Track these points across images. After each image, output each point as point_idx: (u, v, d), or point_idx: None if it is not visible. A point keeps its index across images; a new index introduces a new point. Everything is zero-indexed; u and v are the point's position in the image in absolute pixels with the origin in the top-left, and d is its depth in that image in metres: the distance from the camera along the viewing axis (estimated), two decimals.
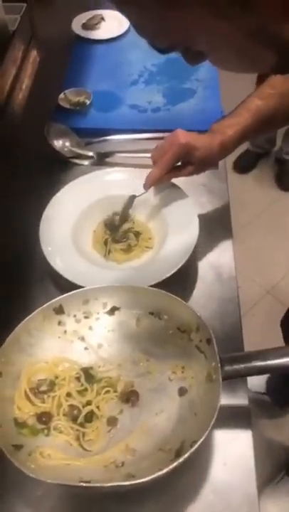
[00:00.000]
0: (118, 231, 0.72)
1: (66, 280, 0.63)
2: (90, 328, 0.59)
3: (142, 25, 0.32)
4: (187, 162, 0.67)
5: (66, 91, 0.94)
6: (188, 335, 0.55)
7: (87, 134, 0.87)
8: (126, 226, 0.73)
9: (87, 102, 0.93)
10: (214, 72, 1.01)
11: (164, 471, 0.42)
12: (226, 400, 0.51)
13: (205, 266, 0.70)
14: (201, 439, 0.44)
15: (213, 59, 0.35)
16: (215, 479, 0.51)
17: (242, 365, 0.50)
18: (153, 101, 0.95)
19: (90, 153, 0.85)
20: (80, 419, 0.52)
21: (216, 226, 0.74)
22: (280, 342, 1.13)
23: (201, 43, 0.32)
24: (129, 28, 1.12)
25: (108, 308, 0.59)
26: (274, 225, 1.78)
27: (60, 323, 0.58)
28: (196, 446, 0.43)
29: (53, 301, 0.57)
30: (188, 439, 0.46)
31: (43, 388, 0.54)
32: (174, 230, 0.69)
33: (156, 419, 0.52)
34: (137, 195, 0.72)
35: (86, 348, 0.58)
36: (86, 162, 0.84)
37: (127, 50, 1.09)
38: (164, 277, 0.61)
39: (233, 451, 0.53)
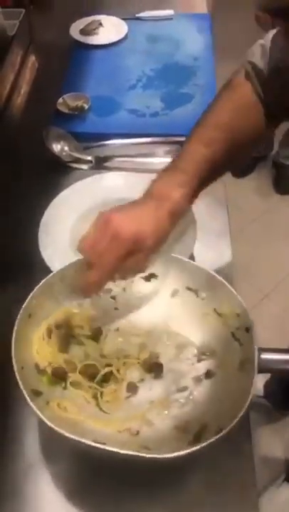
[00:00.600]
0: None
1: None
2: (124, 289, 0.58)
3: None
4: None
5: (65, 96, 0.94)
6: (225, 319, 0.53)
7: (86, 139, 0.88)
8: None
9: (86, 106, 0.93)
10: (212, 78, 1.02)
11: (184, 452, 0.41)
12: None
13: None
14: (231, 425, 0.42)
15: None
16: (214, 486, 0.51)
17: (279, 359, 0.49)
18: (151, 105, 0.96)
19: (89, 158, 0.85)
20: (98, 377, 0.52)
21: (213, 230, 0.74)
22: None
23: None
24: (127, 33, 1.13)
25: (146, 273, 0.57)
26: (272, 230, 1.79)
27: None
28: (223, 432, 0.41)
29: None
30: (211, 425, 0.45)
31: (61, 331, 0.53)
32: (172, 233, 0.69)
33: (177, 396, 0.52)
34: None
35: (116, 309, 0.57)
36: (85, 166, 0.85)
37: (125, 56, 1.09)
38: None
39: (233, 465, 0.52)
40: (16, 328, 0.48)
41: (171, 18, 1.20)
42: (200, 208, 0.77)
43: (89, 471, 0.51)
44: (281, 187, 1.92)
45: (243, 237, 1.71)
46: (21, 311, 0.50)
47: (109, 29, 1.15)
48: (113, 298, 0.58)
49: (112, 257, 0.48)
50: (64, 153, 0.86)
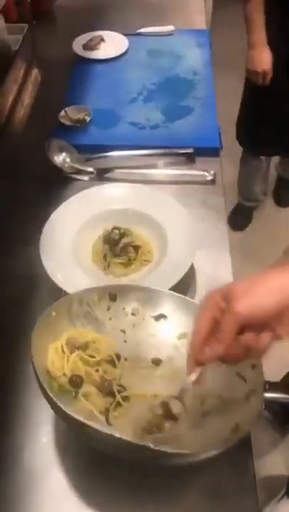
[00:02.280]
0: (117, 246, 0.72)
1: (65, 293, 0.63)
2: (134, 326, 0.60)
3: None
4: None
5: (67, 108, 0.96)
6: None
7: (88, 150, 0.89)
8: (125, 240, 0.73)
9: (88, 119, 0.95)
10: (211, 91, 1.04)
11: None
12: None
13: (202, 278, 0.70)
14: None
15: None
16: (215, 501, 0.51)
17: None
18: (152, 118, 0.97)
19: (90, 169, 0.86)
20: (114, 399, 0.52)
21: (213, 239, 0.75)
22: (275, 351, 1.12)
23: None
24: (128, 48, 1.16)
25: (156, 313, 0.60)
26: (270, 239, 1.79)
27: (108, 308, 0.60)
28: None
29: (111, 285, 0.61)
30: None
31: (78, 345, 0.54)
32: (173, 243, 0.70)
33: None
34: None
35: (125, 341, 0.59)
36: (86, 177, 0.86)
37: (126, 70, 1.11)
38: (163, 290, 0.62)
39: (234, 479, 0.52)
40: (35, 329, 0.50)
41: (172, 34, 1.22)
42: (200, 218, 0.78)
43: (91, 475, 0.52)
44: (281, 198, 1.92)
45: (243, 246, 1.71)
46: (40, 319, 0.52)
47: (111, 44, 1.17)
48: (123, 331, 0.60)
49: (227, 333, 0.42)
50: (66, 165, 0.87)
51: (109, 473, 0.51)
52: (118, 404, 0.52)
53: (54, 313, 0.54)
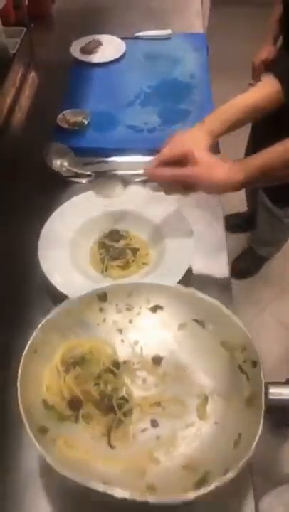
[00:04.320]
0: (114, 248, 0.73)
1: (65, 296, 0.64)
2: (130, 321, 0.59)
3: None
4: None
5: (65, 111, 0.96)
6: (231, 352, 0.53)
7: (86, 153, 0.89)
8: (123, 243, 0.74)
9: (85, 122, 0.95)
10: (207, 94, 1.05)
11: (191, 496, 0.40)
12: None
13: (200, 280, 0.71)
14: (237, 469, 0.41)
15: None
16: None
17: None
18: (149, 121, 0.98)
19: (88, 172, 0.86)
20: (116, 415, 0.51)
21: (210, 242, 0.76)
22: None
23: None
24: (125, 52, 1.16)
25: (151, 305, 0.58)
26: None
27: (101, 310, 0.58)
28: (229, 475, 0.41)
29: (99, 288, 0.58)
30: (217, 464, 0.44)
31: (74, 360, 0.53)
32: (171, 245, 0.71)
33: (185, 433, 0.51)
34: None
35: (122, 341, 0.58)
36: (84, 180, 0.86)
37: (124, 73, 1.12)
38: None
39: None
40: (22, 365, 0.49)
41: (169, 38, 1.23)
42: (197, 219, 0.79)
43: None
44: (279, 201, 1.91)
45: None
46: (27, 348, 0.50)
47: (109, 48, 1.17)
48: (120, 331, 0.58)
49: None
50: (64, 168, 0.87)
51: None
52: (120, 420, 0.51)
53: (40, 336, 0.52)
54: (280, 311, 1.59)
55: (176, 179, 0.65)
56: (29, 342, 0.51)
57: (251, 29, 1.88)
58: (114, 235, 0.74)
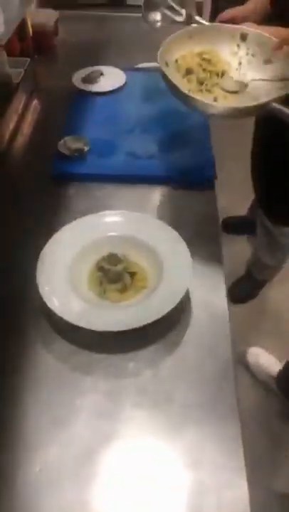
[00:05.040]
0: (112, 272, 0.73)
1: (61, 319, 0.64)
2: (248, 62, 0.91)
3: None
4: None
5: (65, 138, 0.98)
6: None
7: (86, 179, 0.91)
8: (121, 267, 0.74)
9: (86, 148, 0.97)
10: (205, 124, 1.07)
11: None
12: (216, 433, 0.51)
13: (198, 304, 0.71)
14: None
15: None
16: None
17: None
18: (148, 148, 1.00)
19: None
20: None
21: (208, 265, 0.76)
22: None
23: None
24: (126, 82, 1.20)
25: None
26: None
27: (238, 46, 0.92)
28: None
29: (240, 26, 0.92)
30: None
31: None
32: (169, 270, 0.71)
33: None
34: None
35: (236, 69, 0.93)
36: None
37: (124, 102, 1.15)
38: (159, 316, 0.63)
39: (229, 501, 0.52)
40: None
41: None
42: (195, 244, 0.79)
43: None
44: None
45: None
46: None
47: (110, 78, 1.21)
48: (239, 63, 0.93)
49: None
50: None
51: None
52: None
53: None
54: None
55: None
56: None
57: None
58: (112, 259, 0.74)
